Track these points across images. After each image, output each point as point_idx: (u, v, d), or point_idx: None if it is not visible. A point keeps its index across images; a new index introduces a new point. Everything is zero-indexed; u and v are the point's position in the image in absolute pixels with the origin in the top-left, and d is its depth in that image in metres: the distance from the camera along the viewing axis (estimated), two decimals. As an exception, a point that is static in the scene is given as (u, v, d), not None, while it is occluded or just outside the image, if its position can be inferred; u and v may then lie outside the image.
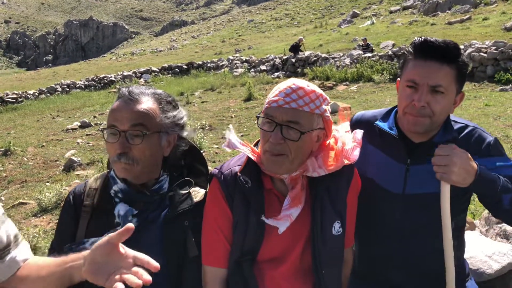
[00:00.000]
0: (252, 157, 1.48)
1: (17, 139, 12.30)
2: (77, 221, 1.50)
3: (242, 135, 9.61)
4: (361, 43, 20.75)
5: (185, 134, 1.62)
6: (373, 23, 32.84)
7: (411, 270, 1.70)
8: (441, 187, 1.50)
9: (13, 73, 77.47)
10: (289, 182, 1.46)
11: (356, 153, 1.49)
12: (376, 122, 1.74)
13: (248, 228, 1.45)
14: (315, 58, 19.42)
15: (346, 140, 1.51)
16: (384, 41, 22.17)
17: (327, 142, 1.51)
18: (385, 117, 1.76)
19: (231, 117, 12.00)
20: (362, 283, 1.84)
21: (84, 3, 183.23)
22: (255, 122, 10.37)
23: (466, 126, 1.66)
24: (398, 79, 1.67)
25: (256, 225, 1.44)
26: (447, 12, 29.07)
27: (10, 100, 21.34)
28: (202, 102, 15.38)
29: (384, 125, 1.71)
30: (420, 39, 1.57)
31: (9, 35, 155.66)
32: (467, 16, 25.02)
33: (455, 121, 1.67)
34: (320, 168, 1.45)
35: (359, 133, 1.53)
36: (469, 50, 14.31)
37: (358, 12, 43.09)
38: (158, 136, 1.50)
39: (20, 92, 22.65)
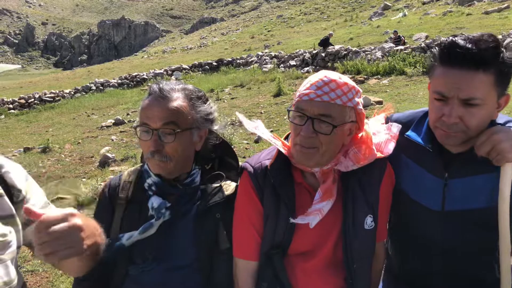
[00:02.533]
0: (283, 151, 1.47)
1: (55, 137, 12.74)
2: (112, 213, 1.55)
3: (271, 131, 9.60)
4: (392, 36, 20.30)
5: (215, 128, 1.64)
6: (405, 15, 32.06)
7: (456, 283, 1.56)
8: (501, 172, 1.33)
9: (50, 73, 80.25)
10: (320, 176, 1.45)
11: (390, 147, 1.46)
12: (407, 133, 1.55)
13: (279, 222, 1.45)
14: (345, 52, 19.14)
15: (379, 132, 1.48)
16: (417, 33, 21.60)
17: (359, 135, 1.49)
18: (417, 125, 1.57)
19: (261, 112, 12.00)
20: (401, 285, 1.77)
21: (116, 3, 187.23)
22: (285, 117, 10.36)
23: (511, 120, 1.45)
24: (429, 81, 1.46)
25: (286, 219, 1.44)
26: (484, 1, 28.03)
27: (48, 99, 22.13)
28: (232, 98, 15.45)
29: (416, 137, 1.53)
30: (447, 41, 1.35)
31: (46, 37, 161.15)
32: (505, 5, 24.04)
33: (498, 123, 1.44)
34: (351, 162, 1.43)
35: (395, 127, 1.48)
36: (508, 39, 13.73)
37: (390, 4, 42.15)
38: (190, 133, 1.51)
39: (57, 91, 23.43)
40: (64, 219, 1.00)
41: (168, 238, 1.49)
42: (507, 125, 1.43)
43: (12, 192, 1.23)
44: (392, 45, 18.32)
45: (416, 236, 1.61)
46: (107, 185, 1.63)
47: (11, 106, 20.93)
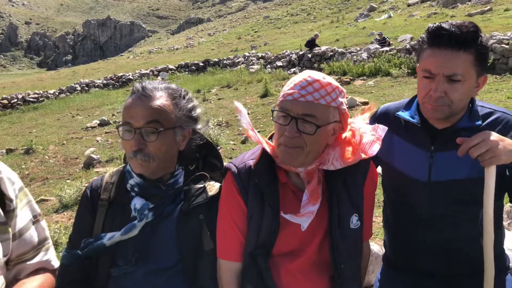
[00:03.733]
0: (268, 148, 1.47)
1: (39, 138, 12.54)
2: (94, 215, 1.52)
3: (258, 131, 9.59)
4: (378, 37, 20.48)
5: (199, 127, 1.62)
6: (390, 16, 32.39)
7: (446, 257, 1.68)
8: (485, 175, 1.45)
9: (34, 73, 79.03)
10: (304, 176, 1.45)
11: (374, 149, 1.46)
12: (397, 113, 1.72)
13: (263, 222, 1.44)
14: (331, 53, 19.25)
15: (364, 133, 1.48)
16: (402, 34, 21.82)
17: (343, 135, 1.49)
18: (407, 106, 1.75)
19: (248, 113, 11.96)
20: (395, 272, 1.84)
21: (101, 3, 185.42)
22: (272, 118, 10.30)
23: (493, 111, 1.61)
24: (418, 64, 1.65)
25: (271, 219, 1.44)
26: (467, 4, 28.47)
27: (31, 99, 21.77)
28: (219, 99, 15.41)
29: (405, 114, 1.70)
30: (434, 25, 1.52)
31: (29, 36, 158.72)
32: (488, 7, 24.45)
33: (482, 106, 1.63)
34: (337, 161, 1.43)
35: (381, 129, 1.48)
36: (491, 42, 13.95)
37: (375, 6, 42.56)
38: (173, 132, 1.50)
39: (41, 92, 23.07)
40: None
41: (151, 240, 1.47)
42: (492, 117, 1.60)
43: (4, 200, 1.21)
44: (377, 46, 18.49)
45: (405, 209, 1.73)
46: (89, 186, 1.60)
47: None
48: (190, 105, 1.57)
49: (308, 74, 1.40)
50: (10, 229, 1.21)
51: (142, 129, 1.44)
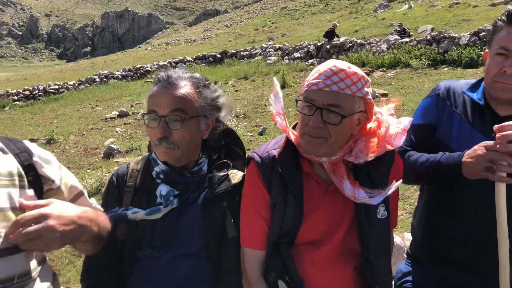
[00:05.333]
0: (292, 137, 1.47)
1: (60, 128, 12.76)
2: (120, 201, 1.56)
3: (275, 124, 9.59)
4: (397, 28, 20.15)
5: (222, 115, 1.64)
6: (411, 7, 31.77)
7: (484, 249, 1.59)
8: (496, 192, 1.40)
9: (54, 65, 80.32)
10: (329, 167, 1.44)
11: (400, 140, 1.44)
12: (465, 90, 1.69)
13: (286, 211, 1.45)
14: (350, 44, 19.03)
15: (390, 124, 1.46)
16: (423, 25, 21.40)
17: (368, 125, 1.48)
18: (473, 87, 1.71)
19: (265, 105, 11.97)
20: (421, 264, 1.81)
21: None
22: (290, 109, 10.32)
23: None
24: (486, 50, 1.64)
25: (294, 208, 1.44)
26: (491, -7, 27.72)
27: (52, 91, 22.15)
28: (236, 90, 15.41)
29: (472, 95, 1.66)
30: None
31: (50, 28, 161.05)
32: (512, -3, 23.77)
33: None
34: (362, 153, 1.42)
35: (405, 120, 1.46)
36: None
37: (395, -4, 41.74)
38: (197, 120, 1.52)
39: (61, 83, 23.44)
40: (37, 219, 1.03)
41: (176, 226, 1.50)
42: None
43: (42, 181, 1.23)
44: (397, 37, 18.19)
45: (451, 195, 1.65)
46: (115, 173, 1.64)
47: (15, 97, 20.96)
48: (214, 94, 1.59)
49: (333, 63, 1.39)
50: None
51: (167, 117, 1.47)
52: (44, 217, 1.04)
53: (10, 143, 1.22)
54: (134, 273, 1.49)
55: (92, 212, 1.21)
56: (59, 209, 1.08)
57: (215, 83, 1.66)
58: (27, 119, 16.15)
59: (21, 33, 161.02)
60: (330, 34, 20.73)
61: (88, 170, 7.85)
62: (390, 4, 38.37)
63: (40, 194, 1.22)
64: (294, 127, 1.56)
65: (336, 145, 1.40)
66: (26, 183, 1.18)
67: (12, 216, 1.10)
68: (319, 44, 20.77)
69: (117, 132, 11.22)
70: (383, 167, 1.50)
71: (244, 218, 1.52)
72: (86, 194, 1.42)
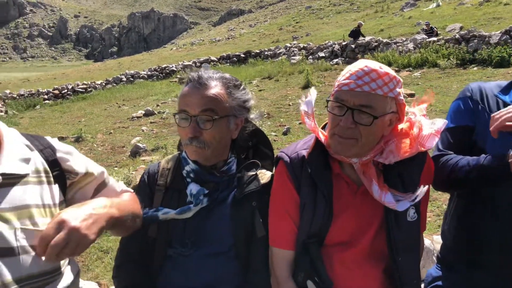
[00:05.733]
0: (322, 138, 1.47)
1: (87, 127, 13.06)
2: (151, 199, 1.58)
3: (300, 123, 9.55)
4: (425, 27, 19.77)
5: (251, 116, 1.65)
6: (438, 5, 31.14)
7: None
8: None
9: (82, 65, 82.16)
10: (359, 168, 1.43)
11: (432, 142, 1.41)
12: (497, 93, 1.62)
13: (316, 212, 1.45)
14: (376, 44, 18.79)
15: (423, 125, 1.44)
16: (451, 24, 20.95)
17: (400, 126, 1.46)
18: (505, 90, 1.63)
19: (289, 105, 11.95)
20: (452, 269, 1.76)
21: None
22: (314, 110, 10.22)
23: None
24: None
25: (324, 209, 1.44)
26: (522, -10, 26.86)
27: (80, 90, 22.67)
28: (260, 90, 15.43)
29: (505, 98, 1.59)
30: None
31: (78, 29, 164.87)
32: (546, -6, 23.01)
33: None
34: (392, 154, 1.41)
35: (440, 122, 1.43)
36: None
37: (422, -6, 40.94)
38: (227, 120, 1.53)
39: (89, 83, 23.96)
40: (57, 228, 1.03)
41: (206, 224, 1.52)
42: None
43: (66, 176, 1.25)
44: (424, 36, 17.86)
45: (483, 199, 1.59)
46: (146, 172, 1.67)
47: (46, 96, 21.55)
48: (243, 95, 1.60)
49: (365, 63, 1.38)
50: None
51: (198, 117, 1.48)
52: (62, 222, 1.04)
53: (34, 140, 1.24)
54: (164, 271, 1.52)
55: (104, 199, 1.20)
56: (71, 210, 1.09)
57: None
58: (57, 117, 16.59)
59: (51, 34, 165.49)
60: (355, 33, 20.52)
61: (115, 168, 8.00)
62: (417, 2, 37.66)
63: (64, 189, 1.25)
64: (323, 128, 1.56)
65: (367, 146, 1.39)
66: (51, 178, 1.20)
67: (43, 213, 1.14)
68: (344, 43, 20.58)
69: (143, 130, 11.40)
70: (415, 168, 1.48)
71: (273, 218, 1.53)
72: (113, 182, 1.44)
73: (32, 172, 1.15)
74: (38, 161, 1.19)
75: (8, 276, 1.03)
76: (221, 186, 1.57)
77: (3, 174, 1.07)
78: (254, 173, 1.60)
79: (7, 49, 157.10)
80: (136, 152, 8.72)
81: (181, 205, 1.51)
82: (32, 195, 1.13)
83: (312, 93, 1.55)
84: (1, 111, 18.11)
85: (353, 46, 19.55)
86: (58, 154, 1.25)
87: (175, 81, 21.83)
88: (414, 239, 1.50)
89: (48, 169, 1.20)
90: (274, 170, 1.63)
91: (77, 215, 1.07)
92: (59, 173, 1.23)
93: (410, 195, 1.40)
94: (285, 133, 8.83)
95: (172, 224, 1.51)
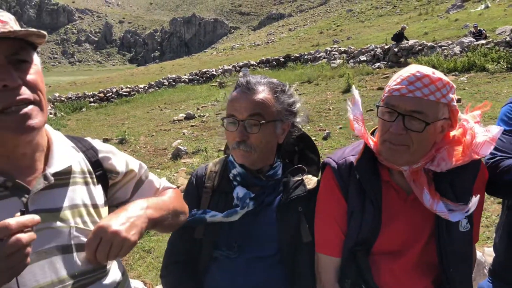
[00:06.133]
0: (371, 143, 1.44)
1: (131, 129, 13.47)
2: (199, 201, 1.61)
3: (340, 128, 9.44)
4: (472, 30, 19.05)
5: (298, 120, 1.65)
6: (487, 6, 29.95)
7: None
8: None
9: (125, 69, 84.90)
10: (409, 175, 1.40)
11: (487, 149, 1.36)
12: None
13: (364, 219, 1.43)
14: (420, 47, 18.28)
15: (476, 133, 1.39)
16: (501, 26, 20.07)
17: (452, 133, 1.41)
18: None
19: (329, 109, 11.84)
20: (502, 284, 1.70)
21: (187, 1, 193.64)
22: (349, 114, 10.03)
23: None
24: None
25: (372, 216, 1.41)
26: None
27: (124, 93, 23.44)
28: (299, 94, 15.34)
29: None
30: None
31: (122, 34, 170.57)
32: None
33: None
34: (444, 161, 1.36)
35: (495, 129, 1.37)
36: None
37: (470, -4, 39.50)
38: (273, 125, 1.54)
39: (133, 86, 24.73)
40: (99, 234, 1.07)
41: (252, 228, 1.53)
42: None
43: (108, 176, 1.30)
44: (472, 39, 17.21)
45: None
46: (194, 174, 1.70)
47: (91, 99, 22.41)
48: (290, 99, 1.60)
49: (417, 68, 1.34)
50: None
51: (245, 121, 1.50)
52: (102, 228, 1.08)
53: (78, 142, 1.29)
54: (211, 272, 1.54)
55: (140, 201, 1.23)
56: (109, 217, 1.12)
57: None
58: (101, 119, 17.21)
59: (97, 39, 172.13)
60: (398, 36, 20.08)
61: (157, 170, 8.20)
62: (464, 4, 36.39)
63: (106, 189, 1.29)
64: (373, 133, 1.53)
65: (418, 153, 1.35)
66: (95, 179, 1.25)
67: (90, 212, 1.19)
68: (386, 47, 20.16)
69: (184, 133, 11.62)
70: (468, 176, 1.42)
71: (319, 224, 1.51)
72: (154, 177, 1.47)
73: (78, 173, 1.20)
74: (83, 162, 1.24)
75: (64, 272, 1.08)
76: (267, 190, 1.58)
77: (55, 175, 1.12)
78: (300, 178, 1.60)
79: (57, 54, 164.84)
80: (177, 155, 8.90)
81: (227, 208, 1.53)
82: (80, 195, 1.18)
83: (355, 93, 1.52)
84: (50, 114, 18.97)
85: (396, 49, 19.11)
86: (100, 155, 1.30)
87: (215, 85, 22.15)
88: (466, 250, 1.44)
89: (92, 170, 1.25)
90: (320, 176, 1.62)
91: (115, 220, 1.10)
92: (101, 173, 1.27)
93: (463, 207, 1.35)
94: (325, 138, 8.75)
95: (218, 227, 1.53)
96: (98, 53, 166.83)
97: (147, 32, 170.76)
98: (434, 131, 1.34)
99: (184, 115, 14.21)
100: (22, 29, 1.01)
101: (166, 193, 1.44)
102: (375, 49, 20.61)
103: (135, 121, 15.45)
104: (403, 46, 18.91)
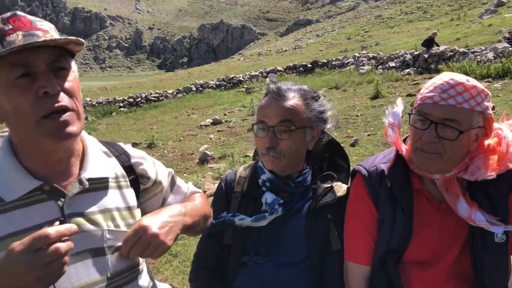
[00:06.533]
0: (404, 150, 1.43)
1: (159, 134, 13.68)
2: (228, 206, 1.63)
3: (368, 134, 9.32)
4: (507, 35, 18.50)
5: (328, 127, 1.65)
6: (522, 11, 29.05)
7: None
8: None
9: (154, 75, 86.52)
10: (441, 184, 1.37)
11: None
12: None
13: (395, 228, 1.41)
14: (451, 53, 17.87)
15: (511, 141, 1.36)
16: (537, 31, 19.42)
17: (486, 142, 1.38)
18: None
19: (357, 115, 11.70)
20: None
21: (215, 8, 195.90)
22: (383, 121, 9.91)
23: None
24: None
25: (403, 225, 1.39)
26: None
27: (153, 98, 23.87)
28: (325, 98, 15.26)
29: None
30: None
31: (152, 40, 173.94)
32: None
33: None
34: (479, 170, 1.33)
35: None
36: None
37: (505, 1, 38.43)
38: (303, 131, 1.55)
39: (161, 92, 25.15)
40: (139, 232, 1.11)
41: (281, 234, 1.53)
42: None
43: (140, 180, 1.33)
44: (506, 45, 16.71)
45: None
46: (223, 179, 1.72)
47: (121, 104, 22.91)
48: (321, 107, 1.60)
49: (450, 76, 1.32)
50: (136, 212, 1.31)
51: (275, 128, 1.51)
52: (143, 228, 1.11)
53: (110, 147, 1.33)
54: (239, 277, 1.55)
55: (178, 207, 1.27)
56: (150, 217, 1.16)
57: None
58: (131, 124, 17.56)
59: (127, 45, 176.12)
60: (429, 42, 19.69)
61: (185, 174, 8.29)
62: (498, 9, 35.40)
63: (137, 193, 1.32)
64: (404, 140, 1.52)
65: (451, 161, 1.33)
66: (128, 183, 1.28)
67: (123, 215, 1.22)
68: (416, 53, 19.80)
69: (211, 139, 11.72)
70: (503, 185, 1.38)
71: (349, 232, 1.50)
72: (181, 182, 1.51)
73: (112, 178, 1.24)
74: (116, 167, 1.27)
75: (97, 275, 1.11)
76: (296, 196, 1.58)
77: (89, 179, 1.16)
78: (329, 185, 1.59)
79: (89, 60, 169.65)
80: (204, 160, 8.98)
81: (256, 213, 1.54)
82: (113, 199, 1.21)
83: (399, 104, 1.51)
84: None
85: (426, 55, 18.75)
86: (133, 160, 1.34)
87: (242, 91, 22.27)
88: (502, 261, 1.40)
89: (125, 173, 1.29)
90: (350, 183, 1.61)
91: (156, 222, 1.14)
92: (134, 177, 1.31)
93: (500, 223, 1.31)
94: (352, 145, 8.65)
95: (247, 232, 1.54)
96: (128, 59, 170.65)
97: (176, 39, 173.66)
98: (468, 139, 1.32)
99: (211, 121, 14.34)
100: (62, 37, 1.05)
101: (196, 197, 1.47)
102: (405, 55, 20.28)
103: (163, 126, 15.69)
104: (434, 52, 18.54)
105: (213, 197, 1.74)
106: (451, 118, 1.28)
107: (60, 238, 0.95)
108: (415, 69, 18.55)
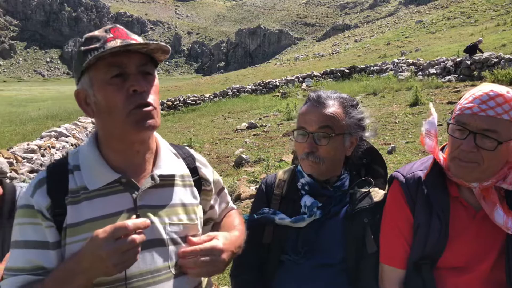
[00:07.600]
0: (441, 158, 1.46)
1: (196, 136, 13.98)
2: (268, 207, 1.70)
3: (407, 142, 9.18)
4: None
5: (366, 134, 1.70)
6: None
7: None
8: None
9: (192, 78, 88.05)
10: (479, 192, 1.40)
11: None
12: None
13: (430, 233, 1.44)
14: (496, 60, 17.26)
15: None
16: None
17: None
18: None
19: (395, 122, 11.54)
20: None
21: (253, 13, 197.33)
22: (422, 128, 9.71)
23: None
24: None
25: (439, 232, 1.42)
26: None
27: (190, 102, 24.39)
28: (364, 106, 15.10)
29: None
30: None
31: (190, 45, 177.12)
32: None
33: None
34: None
35: None
36: None
37: (554, 5, 36.69)
38: (342, 137, 1.61)
39: (198, 95, 25.66)
40: (211, 251, 1.24)
41: (319, 236, 1.59)
42: None
43: (202, 182, 1.46)
44: (555, 52, 15.98)
45: None
46: (264, 182, 1.80)
47: (160, 107, 23.50)
48: (360, 114, 1.66)
49: (490, 88, 1.35)
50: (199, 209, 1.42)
51: (315, 134, 1.58)
52: (218, 250, 1.25)
53: (179, 149, 1.47)
54: (278, 276, 1.62)
55: (239, 239, 1.42)
56: (227, 244, 1.29)
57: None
58: (169, 126, 17.99)
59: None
60: (472, 49, 19.10)
61: (221, 177, 8.44)
62: (547, 14, 33.83)
63: (199, 193, 1.44)
64: (442, 149, 1.54)
65: (489, 171, 1.35)
66: (192, 183, 1.42)
67: (186, 211, 1.34)
68: (458, 59, 19.24)
69: (246, 142, 11.86)
70: None
71: (385, 236, 1.55)
72: (226, 190, 1.64)
73: (179, 177, 1.38)
74: (183, 167, 1.41)
75: (160, 262, 1.25)
76: (334, 200, 1.63)
77: (160, 176, 1.30)
78: (367, 190, 1.64)
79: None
80: (239, 163, 9.11)
81: (295, 215, 1.61)
82: (179, 195, 1.35)
83: (433, 112, 1.55)
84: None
85: (468, 62, 18.20)
86: (197, 163, 1.48)
87: (278, 96, 22.36)
88: None
89: (190, 174, 1.42)
90: (387, 189, 1.65)
91: (229, 250, 1.29)
92: (197, 178, 1.44)
93: None
94: (390, 152, 8.54)
95: (285, 232, 1.61)
96: (167, 62, 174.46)
97: (213, 43, 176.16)
98: (507, 150, 1.33)
99: (247, 125, 14.50)
100: (153, 42, 1.19)
101: (235, 219, 1.57)
102: (446, 62, 19.76)
103: (200, 129, 16.00)
104: (477, 59, 17.96)
105: (253, 200, 1.82)
106: (490, 129, 1.30)
107: (136, 230, 1.09)
108: (457, 76, 18.04)
